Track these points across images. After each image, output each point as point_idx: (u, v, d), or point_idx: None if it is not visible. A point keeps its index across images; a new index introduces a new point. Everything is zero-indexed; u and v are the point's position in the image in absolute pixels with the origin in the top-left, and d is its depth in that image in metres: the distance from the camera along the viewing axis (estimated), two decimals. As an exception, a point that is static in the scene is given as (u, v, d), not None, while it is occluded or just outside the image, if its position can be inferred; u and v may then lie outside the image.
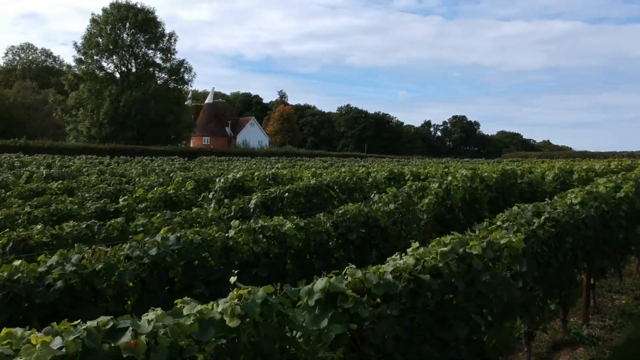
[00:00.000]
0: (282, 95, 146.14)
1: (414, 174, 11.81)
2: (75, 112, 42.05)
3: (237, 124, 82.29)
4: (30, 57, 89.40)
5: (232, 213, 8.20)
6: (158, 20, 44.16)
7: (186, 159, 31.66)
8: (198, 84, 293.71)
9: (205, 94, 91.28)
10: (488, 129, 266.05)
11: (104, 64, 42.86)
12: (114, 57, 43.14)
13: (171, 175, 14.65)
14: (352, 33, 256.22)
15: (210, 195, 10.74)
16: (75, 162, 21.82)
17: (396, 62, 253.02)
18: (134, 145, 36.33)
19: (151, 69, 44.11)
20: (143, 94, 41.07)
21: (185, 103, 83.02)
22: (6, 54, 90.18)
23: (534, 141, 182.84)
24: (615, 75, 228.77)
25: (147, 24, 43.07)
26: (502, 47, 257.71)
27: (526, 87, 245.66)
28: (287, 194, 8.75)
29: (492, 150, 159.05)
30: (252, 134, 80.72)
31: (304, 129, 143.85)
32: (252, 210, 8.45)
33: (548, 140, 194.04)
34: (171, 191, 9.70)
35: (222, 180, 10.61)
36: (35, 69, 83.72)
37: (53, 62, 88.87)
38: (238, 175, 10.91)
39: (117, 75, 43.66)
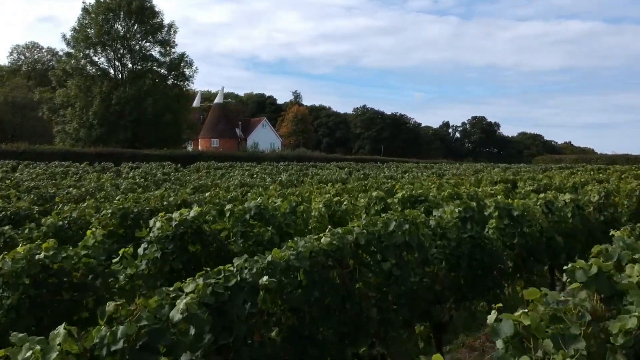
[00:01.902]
0: (297, 96, 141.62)
1: (500, 207, 6.70)
2: (63, 112, 37.26)
3: (248, 125, 77.31)
4: (36, 57, 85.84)
5: (120, 344, 3.21)
6: (156, 9, 39.24)
7: (179, 165, 26.88)
8: (212, 86, 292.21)
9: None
10: (506, 130, 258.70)
11: (96, 58, 37.98)
12: (108, 50, 38.25)
13: (119, 198, 9.78)
14: (367, 34, 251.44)
15: (141, 251, 5.80)
16: (24, 173, 17.07)
17: (412, 63, 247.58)
18: (124, 149, 31.56)
19: (148, 64, 39.07)
20: (138, 90, 36.08)
21: (194, 104, 78.53)
22: (11, 54, 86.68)
23: (556, 142, 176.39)
24: (635, 76, 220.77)
25: (142, 13, 38.03)
26: (519, 47, 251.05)
27: (544, 87, 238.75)
28: (265, 278, 3.76)
29: (513, 152, 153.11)
30: (264, 136, 75.69)
31: (319, 130, 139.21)
32: (176, 324, 3.44)
33: (570, 142, 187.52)
34: (39, 256, 4.71)
35: (158, 225, 5.59)
36: (40, 69, 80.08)
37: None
38: (191, 215, 5.87)
39: (111, 70, 38.79)
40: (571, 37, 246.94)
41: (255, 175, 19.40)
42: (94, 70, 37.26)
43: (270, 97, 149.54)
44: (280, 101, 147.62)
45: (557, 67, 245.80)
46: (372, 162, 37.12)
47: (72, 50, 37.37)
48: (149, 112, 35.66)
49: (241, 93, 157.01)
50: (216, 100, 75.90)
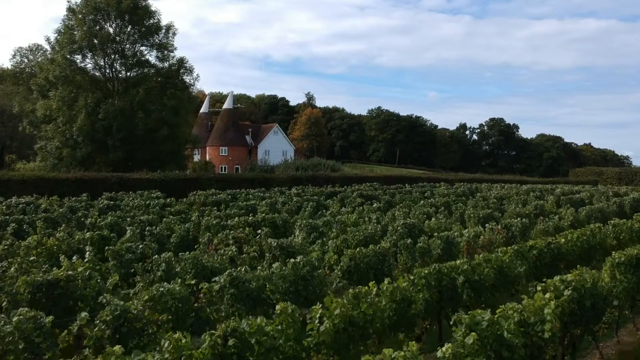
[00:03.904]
0: (310, 98, 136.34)
1: None
2: (44, 127, 31.76)
3: (259, 132, 71.70)
4: (39, 59, 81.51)
5: None
6: (151, 9, 33.40)
7: (171, 200, 21.66)
8: (224, 85, 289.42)
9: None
10: (524, 130, 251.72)
11: (83, 64, 32.17)
12: (97, 55, 32.66)
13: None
14: (380, 33, 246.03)
15: None
16: None
17: (426, 62, 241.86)
18: (109, 173, 26.16)
19: (145, 70, 33.28)
20: (129, 102, 30.41)
21: (202, 110, 73.15)
22: (13, 56, 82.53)
23: (576, 145, 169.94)
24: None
25: (135, 14, 32.33)
26: (535, 46, 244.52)
27: (560, 87, 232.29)
28: None
29: (533, 154, 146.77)
30: (275, 143, 70.11)
31: (332, 133, 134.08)
32: None
33: (589, 144, 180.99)
34: None
35: None
36: (43, 72, 75.71)
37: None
38: None
39: (102, 79, 32.85)
40: (587, 35, 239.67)
41: (259, 232, 14.11)
42: (80, 79, 31.56)
43: (283, 98, 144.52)
44: (292, 102, 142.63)
45: (573, 66, 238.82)
46: (399, 184, 31.56)
47: (57, 56, 31.84)
48: (140, 128, 30.00)
49: (253, 94, 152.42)
50: (225, 106, 70.39)
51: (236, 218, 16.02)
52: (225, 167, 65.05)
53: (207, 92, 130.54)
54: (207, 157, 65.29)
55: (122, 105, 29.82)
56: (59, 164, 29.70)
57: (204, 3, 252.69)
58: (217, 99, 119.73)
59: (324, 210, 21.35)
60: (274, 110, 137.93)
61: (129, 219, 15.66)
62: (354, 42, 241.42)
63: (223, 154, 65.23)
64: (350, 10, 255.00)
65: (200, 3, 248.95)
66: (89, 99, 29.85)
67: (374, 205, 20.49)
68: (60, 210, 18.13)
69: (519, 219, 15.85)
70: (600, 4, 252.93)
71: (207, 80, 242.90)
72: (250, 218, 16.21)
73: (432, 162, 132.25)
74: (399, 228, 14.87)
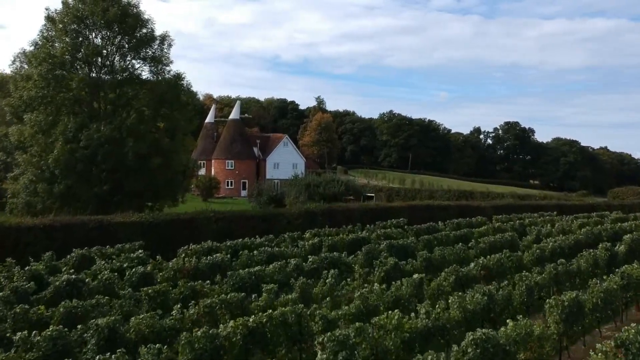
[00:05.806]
0: (320, 102, 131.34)
1: None
2: (19, 154, 26.76)
3: (268, 143, 66.58)
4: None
5: None
6: (144, 17, 28.25)
7: (156, 260, 16.88)
8: (233, 87, 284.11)
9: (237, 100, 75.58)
10: (537, 131, 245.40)
11: (64, 81, 26.82)
12: (81, 71, 27.68)
13: None
14: (389, 33, 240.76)
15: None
16: None
17: (435, 62, 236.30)
18: (86, 217, 21.37)
19: (136, 87, 28.13)
20: (118, 126, 25.29)
21: (207, 120, 68.46)
22: (13, 62, 78.04)
23: (592, 148, 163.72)
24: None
25: (124, 22, 27.26)
26: (543, 45, 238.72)
27: (568, 86, 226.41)
28: None
29: (549, 159, 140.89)
30: (285, 156, 65.04)
31: (343, 137, 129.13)
32: None
33: (606, 147, 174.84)
34: None
35: None
36: (44, 79, 70.93)
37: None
38: None
39: (87, 98, 27.69)
40: (596, 35, 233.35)
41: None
42: (62, 97, 26.51)
43: (292, 102, 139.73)
44: (302, 105, 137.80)
45: (582, 66, 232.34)
46: (430, 222, 26.62)
47: (33, 72, 26.91)
48: (129, 157, 24.94)
49: (261, 97, 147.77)
50: (232, 116, 65.42)
51: (231, 323, 11.19)
52: (231, 182, 60.37)
53: (215, 95, 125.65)
54: (213, 171, 60.55)
55: (108, 133, 24.79)
56: (33, 201, 24.94)
57: (213, 4, 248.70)
58: (226, 102, 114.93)
59: (348, 280, 16.52)
60: (283, 114, 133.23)
61: (79, 327, 10.88)
62: (362, 43, 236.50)
63: (229, 168, 60.41)
64: (359, 11, 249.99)
65: (209, 4, 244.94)
66: (70, 124, 24.94)
67: (414, 277, 15.55)
68: (1, 293, 13.43)
69: (634, 325, 10.91)
70: (610, 3, 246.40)
71: (216, 81, 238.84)
72: (251, 320, 11.35)
73: (447, 168, 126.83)
74: (469, 350, 9.96)
